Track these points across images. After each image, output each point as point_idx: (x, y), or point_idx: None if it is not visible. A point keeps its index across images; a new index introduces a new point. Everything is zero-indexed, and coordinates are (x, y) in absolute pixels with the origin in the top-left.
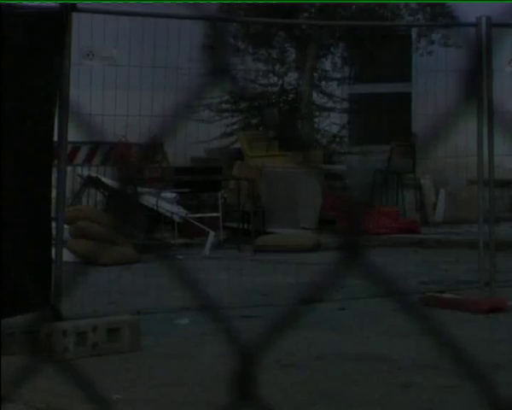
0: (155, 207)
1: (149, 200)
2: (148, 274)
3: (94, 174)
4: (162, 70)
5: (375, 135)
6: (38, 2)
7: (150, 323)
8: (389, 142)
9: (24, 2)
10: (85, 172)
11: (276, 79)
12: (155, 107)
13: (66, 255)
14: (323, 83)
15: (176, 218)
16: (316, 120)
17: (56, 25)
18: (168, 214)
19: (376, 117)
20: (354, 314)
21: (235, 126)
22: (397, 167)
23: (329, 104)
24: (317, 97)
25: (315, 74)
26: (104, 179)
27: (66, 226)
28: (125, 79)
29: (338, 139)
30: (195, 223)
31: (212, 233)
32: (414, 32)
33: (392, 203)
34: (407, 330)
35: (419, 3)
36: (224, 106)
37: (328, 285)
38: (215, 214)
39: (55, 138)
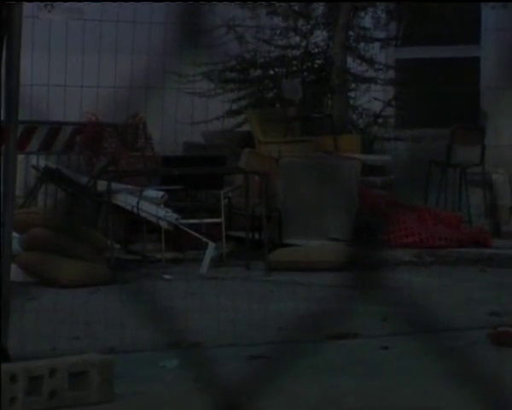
0: (135, 210)
1: (128, 200)
2: (125, 299)
3: (53, 165)
4: (145, 26)
5: (431, 114)
6: None
7: (127, 365)
8: (449, 124)
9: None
10: (42, 163)
11: (298, 39)
12: (136, 75)
13: (16, 273)
14: (362, 45)
15: (163, 224)
16: (351, 94)
17: None
18: (153, 219)
19: (432, 90)
20: (400, 355)
21: (243, 102)
22: (459, 158)
23: (369, 73)
24: (352, 64)
25: (350, 33)
26: (67, 172)
27: (15, 235)
28: (95, 39)
29: (381, 120)
30: (189, 231)
31: (211, 245)
32: None
33: (453, 206)
34: (470, 377)
35: None
36: (229, 75)
37: (358, 315)
38: (216, 220)
39: (1, 117)
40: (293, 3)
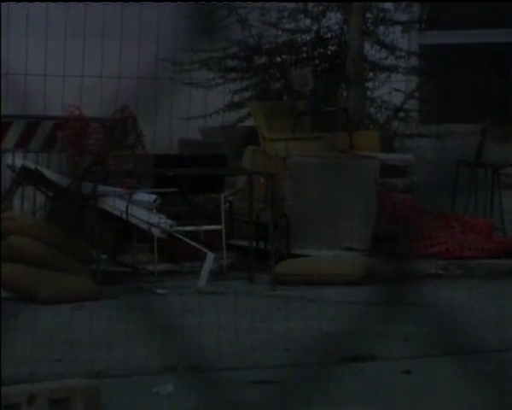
0: (125, 216)
1: (116, 204)
2: (113, 317)
3: (32, 165)
4: (135, 8)
5: (459, 108)
6: None
7: (115, 391)
8: (480, 119)
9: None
10: (19, 162)
11: (308, 22)
12: (125, 64)
13: None
14: (381, 28)
15: (156, 232)
16: (369, 84)
17: None
18: (144, 227)
19: (461, 81)
20: (424, 380)
21: (246, 94)
22: (492, 158)
23: (390, 61)
24: (370, 51)
25: (368, 16)
26: (47, 173)
27: None
28: (79, 22)
29: (402, 114)
30: (185, 240)
31: (210, 256)
32: None
33: (485, 212)
34: (502, 405)
35: None
36: (231, 63)
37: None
38: (215, 227)
39: None
40: None
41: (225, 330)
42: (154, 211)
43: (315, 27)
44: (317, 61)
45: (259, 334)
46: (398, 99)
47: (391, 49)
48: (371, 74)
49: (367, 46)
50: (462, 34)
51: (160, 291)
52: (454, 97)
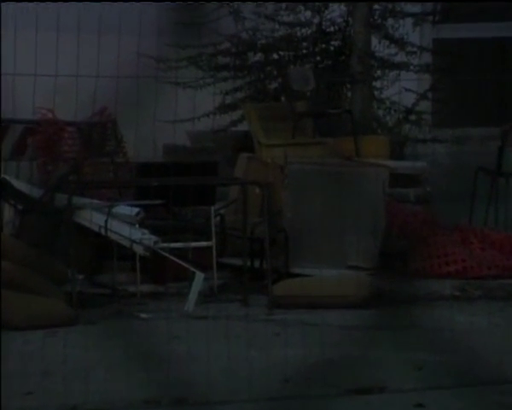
0: (103, 232)
1: (94, 218)
2: (91, 344)
3: None
4: None
5: (477, 110)
6: None
7: None
8: (501, 122)
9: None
10: None
11: (309, 14)
12: (104, 61)
13: None
14: (390, 21)
15: (138, 249)
16: (376, 84)
17: None
18: (125, 243)
19: (479, 80)
20: None
21: (239, 94)
22: None
23: (400, 57)
24: (378, 46)
25: (375, 7)
26: (16, 183)
27: None
28: (52, 15)
29: (414, 117)
30: (171, 258)
31: (199, 275)
32: None
33: (506, 226)
34: None
35: None
36: (222, 60)
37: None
38: (205, 244)
39: None
40: None
41: (216, 359)
42: (137, 226)
43: (316, 20)
44: (318, 58)
45: (255, 363)
46: (409, 100)
47: (401, 44)
48: (379, 72)
49: (374, 41)
50: (480, 27)
51: (143, 316)
52: (471, 98)
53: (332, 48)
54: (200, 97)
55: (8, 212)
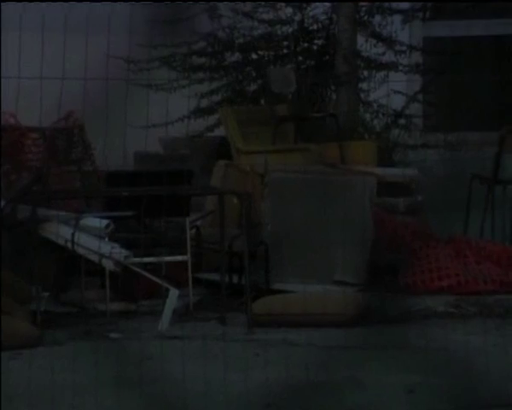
0: (70, 246)
1: (60, 231)
2: (57, 367)
3: None
4: None
5: (472, 113)
6: None
7: None
8: (497, 126)
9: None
10: None
11: (290, 11)
12: (71, 63)
13: None
14: (377, 19)
15: (108, 265)
16: (363, 85)
17: None
18: (94, 258)
19: (474, 80)
20: None
21: (216, 97)
22: (511, 172)
23: (388, 57)
24: (364, 45)
25: (361, 4)
26: None
27: None
28: (15, 15)
29: (403, 121)
30: (144, 273)
31: (174, 292)
32: None
33: (504, 237)
34: None
35: None
36: (197, 60)
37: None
38: (180, 258)
39: None
40: None
41: (193, 382)
42: (106, 239)
43: (298, 18)
44: (300, 58)
45: (234, 386)
46: (398, 103)
47: (389, 42)
48: (366, 73)
49: (360, 40)
50: (475, 24)
51: (113, 336)
52: (465, 100)
53: (315, 47)
54: (174, 101)
55: None
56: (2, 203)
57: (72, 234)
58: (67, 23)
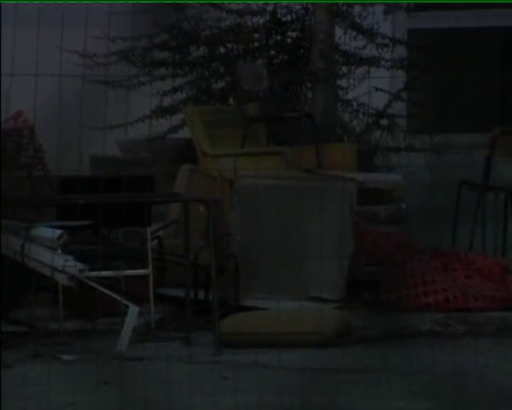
0: (20, 258)
1: (8, 242)
2: (7, 392)
3: None
4: None
5: (461, 113)
6: None
7: None
8: (489, 127)
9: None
10: None
11: (262, 1)
12: (20, 58)
13: None
14: (356, 9)
15: (61, 279)
16: (342, 82)
17: None
18: (46, 272)
19: (463, 77)
20: None
21: (179, 95)
22: (504, 177)
23: (369, 51)
24: (343, 38)
25: None
26: None
27: None
28: None
29: (386, 121)
30: (101, 289)
31: (134, 309)
32: None
33: (495, 249)
34: None
35: None
36: (159, 54)
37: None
38: (141, 272)
39: None
40: None
41: (155, 408)
42: (59, 251)
43: (270, 8)
44: (272, 52)
45: None
46: (380, 101)
47: (370, 35)
48: (345, 69)
49: (339, 32)
50: (464, 16)
51: (66, 357)
52: (454, 99)
53: (289, 40)
54: (134, 99)
55: None
56: None
57: (22, 245)
58: (17, 16)
